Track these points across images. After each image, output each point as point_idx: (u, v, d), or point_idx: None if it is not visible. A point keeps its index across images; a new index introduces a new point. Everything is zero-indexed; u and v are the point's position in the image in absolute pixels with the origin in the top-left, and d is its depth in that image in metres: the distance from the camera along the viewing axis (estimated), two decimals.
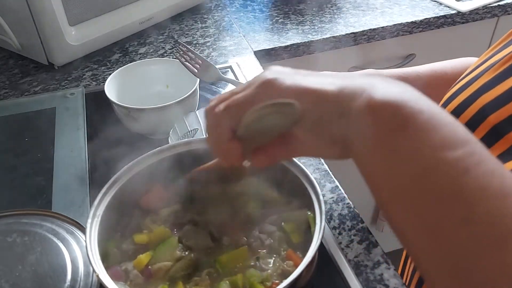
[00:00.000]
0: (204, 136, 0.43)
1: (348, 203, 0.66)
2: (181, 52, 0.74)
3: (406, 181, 0.34)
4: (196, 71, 0.74)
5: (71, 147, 0.77)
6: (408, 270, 0.63)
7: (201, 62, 0.74)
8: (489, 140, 0.45)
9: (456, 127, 0.34)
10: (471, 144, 0.33)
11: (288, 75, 0.39)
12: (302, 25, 1.16)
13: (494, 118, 0.45)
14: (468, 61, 0.66)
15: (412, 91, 0.36)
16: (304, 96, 0.37)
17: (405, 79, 0.65)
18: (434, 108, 0.35)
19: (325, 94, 0.37)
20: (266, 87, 0.39)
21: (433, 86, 0.64)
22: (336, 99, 0.37)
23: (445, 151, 0.32)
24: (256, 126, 0.40)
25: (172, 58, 0.92)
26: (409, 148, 0.34)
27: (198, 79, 0.77)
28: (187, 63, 0.74)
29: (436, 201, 0.32)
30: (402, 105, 0.34)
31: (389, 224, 0.37)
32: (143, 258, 0.51)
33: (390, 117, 0.34)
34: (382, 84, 0.36)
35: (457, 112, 0.50)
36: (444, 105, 0.52)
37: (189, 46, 0.76)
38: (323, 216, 0.48)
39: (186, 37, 1.11)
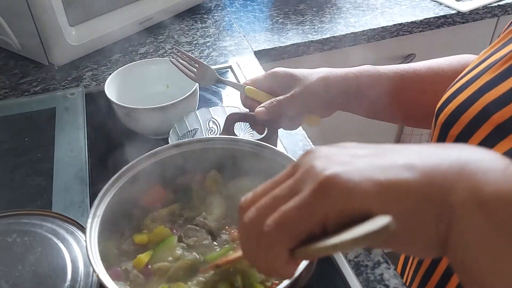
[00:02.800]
0: (243, 254, 0.34)
1: None
2: (176, 57, 0.73)
3: None
4: (194, 75, 0.73)
5: (71, 147, 0.77)
6: (409, 270, 0.63)
7: (198, 66, 0.73)
8: (493, 139, 0.45)
9: None
10: None
11: (348, 164, 0.29)
12: (302, 25, 1.16)
13: (498, 117, 0.45)
14: (464, 58, 0.66)
15: None
16: (382, 196, 0.28)
17: (403, 76, 0.65)
18: None
19: (410, 189, 0.28)
20: (329, 190, 0.28)
21: (431, 83, 0.64)
22: (426, 194, 0.28)
23: None
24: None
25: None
26: None
27: None
28: (183, 68, 0.73)
29: None
30: None
31: None
32: (143, 257, 0.51)
33: (510, 217, 0.27)
34: (476, 162, 0.29)
35: (459, 111, 0.50)
36: (446, 104, 0.52)
37: (185, 50, 0.75)
38: None
39: (186, 37, 1.11)
